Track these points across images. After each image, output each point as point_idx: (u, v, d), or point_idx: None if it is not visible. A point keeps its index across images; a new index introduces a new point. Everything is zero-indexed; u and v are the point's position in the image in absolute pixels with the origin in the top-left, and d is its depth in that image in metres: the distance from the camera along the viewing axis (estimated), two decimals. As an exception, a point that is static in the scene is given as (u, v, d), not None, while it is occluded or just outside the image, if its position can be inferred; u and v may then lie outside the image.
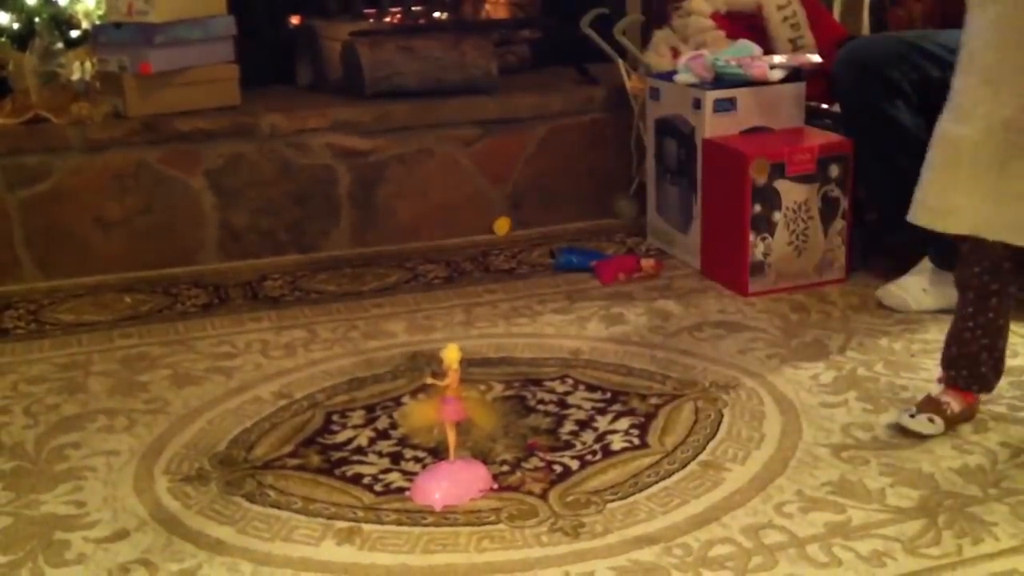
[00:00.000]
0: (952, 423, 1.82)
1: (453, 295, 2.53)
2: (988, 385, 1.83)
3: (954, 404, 1.82)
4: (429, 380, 1.67)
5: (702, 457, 1.77)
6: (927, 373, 2.04)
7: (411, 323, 2.37)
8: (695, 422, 1.89)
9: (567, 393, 2.01)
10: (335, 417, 1.94)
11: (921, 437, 1.80)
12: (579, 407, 1.95)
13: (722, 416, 1.90)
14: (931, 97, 2.35)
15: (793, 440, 1.81)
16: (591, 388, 2.03)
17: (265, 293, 2.58)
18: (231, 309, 2.48)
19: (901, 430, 1.82)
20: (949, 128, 1.72)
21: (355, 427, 1.90)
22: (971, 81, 1.69)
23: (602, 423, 1.89)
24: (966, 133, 1.69)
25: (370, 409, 1.97)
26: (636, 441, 1.83)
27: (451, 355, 1.62)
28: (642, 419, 1.90)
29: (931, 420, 1.81)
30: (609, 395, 2.00)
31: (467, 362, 2.00)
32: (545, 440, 1.84)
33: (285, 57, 3.21)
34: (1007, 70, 1.65)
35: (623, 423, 1.89)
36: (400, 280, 2.65)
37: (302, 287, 2.62)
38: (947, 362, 1.83)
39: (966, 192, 1.70)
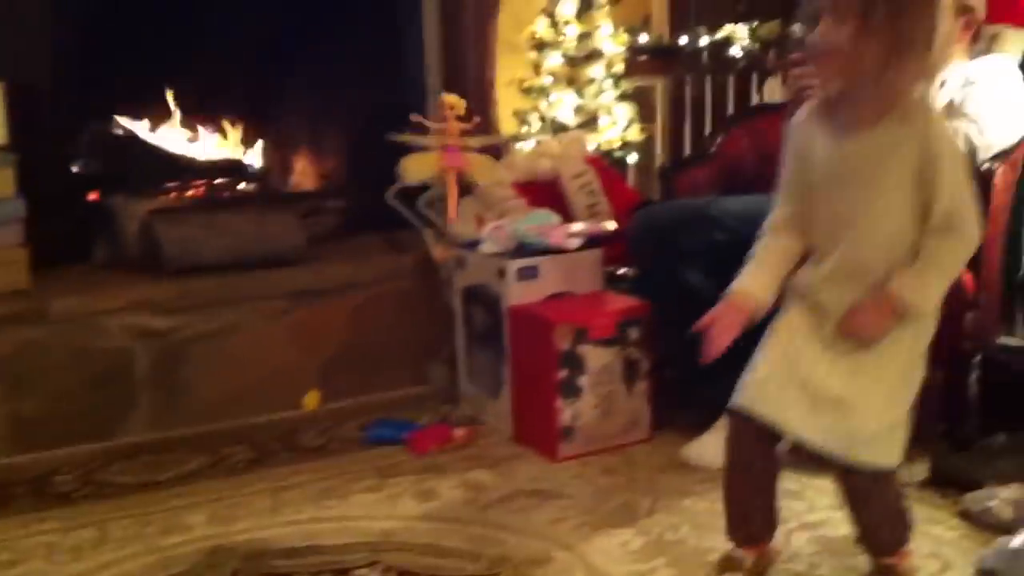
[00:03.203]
0: (752, 575, 1.84)
1: (258, 479, 2.42)
2: (767, 535, 1.85)
3: (747, 559, 1.84)
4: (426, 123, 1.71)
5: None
6: (732, 533, 2.07)
7: (212, 513, 2.25)
8: (506, 603, 1.84)
9: (375, 581, 1.93)
10: (123, 629, 1.80)
11: None
12: (387, 596, 1.88)
13: (533, 595, 1.86)
14: (720, 259, 2.48)
15: (604, 616, 1.79)
16: (401, 573, 1.96)
17: (54, 489, 2.41)
18: (15, 510, 2.29)
19: None
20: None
21: (145, 639, 1.77)
22: None
23: (411, 612, 1.82)
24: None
25: (163, 616, 1.84)
26: (446, 630, 1.76)
27: (451, 99, 1.70)
28: (452, 605, 1.84)
29: None
30: (419, 580, 1.93)
31: (271, 554, 1.91)
32: (350, 637, 1.75)
33: (82, 235, 3.10)
34: None
35: (433, 611, 1.82)
36: (202, 466, 2.52)
37: (95, 480, 2.46)
38: (728, 525, 1.85)
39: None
